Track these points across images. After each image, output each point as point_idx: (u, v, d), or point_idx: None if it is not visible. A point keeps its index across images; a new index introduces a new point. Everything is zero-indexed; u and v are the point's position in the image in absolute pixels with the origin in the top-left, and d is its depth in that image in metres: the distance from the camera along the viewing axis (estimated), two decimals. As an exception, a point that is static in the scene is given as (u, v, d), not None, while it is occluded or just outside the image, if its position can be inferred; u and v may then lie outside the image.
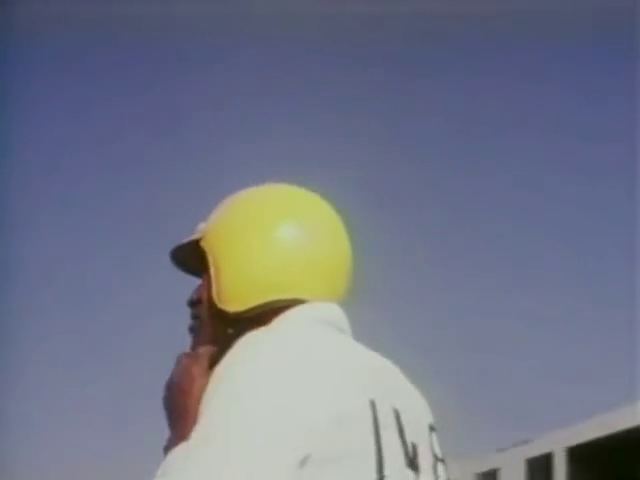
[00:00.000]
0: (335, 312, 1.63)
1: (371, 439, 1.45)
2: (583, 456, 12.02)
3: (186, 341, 1.68)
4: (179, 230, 1.74)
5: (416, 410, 1.59)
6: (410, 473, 1.51)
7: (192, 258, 1.68)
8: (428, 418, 1.63)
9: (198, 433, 1.38)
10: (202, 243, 1.65)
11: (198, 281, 1.70)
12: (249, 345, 1.47)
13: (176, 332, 1.75)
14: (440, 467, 1.60)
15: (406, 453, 1.51)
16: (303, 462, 1.38)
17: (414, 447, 1.53)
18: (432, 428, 1.62)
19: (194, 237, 1.67)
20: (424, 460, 1.55)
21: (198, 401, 1.46)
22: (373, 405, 1.47)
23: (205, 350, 1.58)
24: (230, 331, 1.60)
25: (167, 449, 1.48)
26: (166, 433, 1.57)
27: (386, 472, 1.45)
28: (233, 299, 1.60)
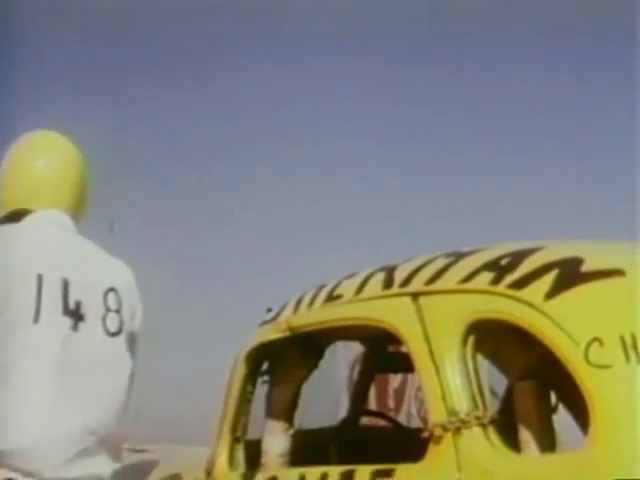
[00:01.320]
0: (60, 216, 2.44)
1: (33, 298, 2.23)
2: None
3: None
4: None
5: (91, 279, 2.35)
6: (67, 319, 2.27)
7: None
8: (109, 284, 2.38)
9: None
10: None
11: None
12: None
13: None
14: (112, 316, 2.35)
15: (65, 307, 2.27)
16: None
17: (78, 303, 2.29)
18: (112, 289, 2.38)
19: None
20: (90, 312, 2.31)
21: None
22: (40, 277, 2.26)
23: None
24: None
25: None
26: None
27: (41, 318, 2.22)
28: None
